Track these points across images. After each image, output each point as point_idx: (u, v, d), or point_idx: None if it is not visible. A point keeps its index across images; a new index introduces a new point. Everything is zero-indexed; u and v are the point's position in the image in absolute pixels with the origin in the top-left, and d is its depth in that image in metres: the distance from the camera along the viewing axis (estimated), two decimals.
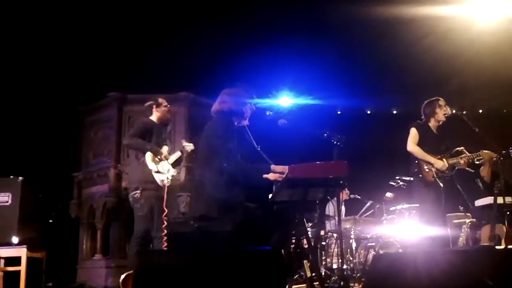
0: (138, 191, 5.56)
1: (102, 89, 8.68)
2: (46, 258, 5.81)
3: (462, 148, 6.02)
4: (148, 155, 5.59)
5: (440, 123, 6.00)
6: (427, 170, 5.77)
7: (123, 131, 8.17)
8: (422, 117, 6.08)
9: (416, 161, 5.84)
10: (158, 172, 5.56)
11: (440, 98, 6.03)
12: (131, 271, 4.93)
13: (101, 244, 8.33)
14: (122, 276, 5.17)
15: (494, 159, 5.92)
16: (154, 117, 5.99)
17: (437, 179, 5.74)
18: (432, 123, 6.01)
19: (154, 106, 6.00)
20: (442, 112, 5.95)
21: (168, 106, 6.10)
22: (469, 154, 5.89)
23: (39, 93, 8.90)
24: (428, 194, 5.77)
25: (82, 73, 9.03)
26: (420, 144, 5.87)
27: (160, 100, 6.05)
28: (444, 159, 5.81)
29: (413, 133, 5.92)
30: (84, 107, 8.94)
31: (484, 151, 5.89)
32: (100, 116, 8.72)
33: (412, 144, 5.88)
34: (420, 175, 5.79)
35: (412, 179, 6.19)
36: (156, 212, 5.54)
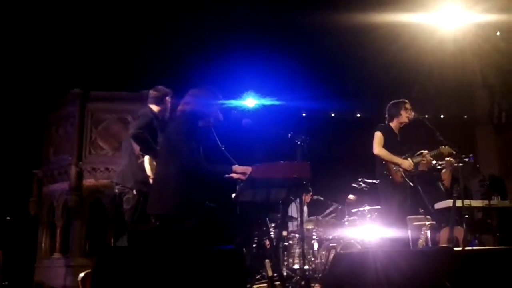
0: (130, 196, 5.16)
1: (66, 85, 8.52)
2: (2, 257, 5.66)
3: (426, 151, 6.11)
4: (147, 159, 5.00)
5: (402, 125, 6.09)
6: (395, 170, 5.84)
7: (85, 128, 8.04)
8: (386, 115, 6.14)
9: (384, 163, 5.90)
10: None
11: (407, 101, 6.12)
12: (90, 270, 4.84)
13: (60, 242, 8.16)
14: (81, 275, 5.07)
15: (455, 164, 6.06)
16: (157, 108, 5.36)
17: (405, 178, 5.83)
18: (394, 124, 6.08)
19: (167, 97, 5.38)
20: (406, 114, 6.03)
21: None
22: (430, 152, 6.00)
23: (1, 88, 8.69)
24: (394, 195, 5.84)
25: (47, 68, 8.85)
26: (384, 146, 5.94)
27: (169, 90, 5.45)
28: (409, 159, 5.90)
29: (378, 136, 5.98)
30: (47, 103, 8.75)
31: (443, 146, 6.00)
32: (62, 112, 8.54)
33: (378, 147, 5.92)
34: (390, 177, 5.85)
35: (375, 181, 6.26)
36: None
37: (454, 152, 5.98)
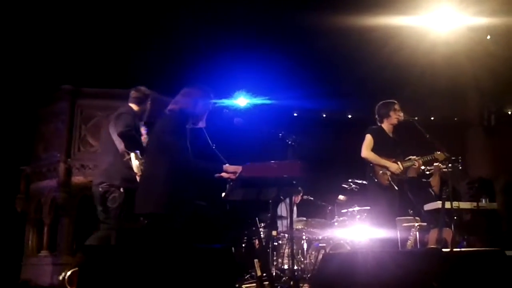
0: (116, 194, 5.12)
1: (58, 81, 8.44)
2: None
3: (415, 157, 6.11)
4: (134, 156, 4.99)
5: (393, 126, 6.08)
6: (381, 173, 5.82)
7: (74, 125, 7.98)
8: (376, 116, 6.13)
9: (371, 165, 5.89)
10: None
11: (396, 102, 6.12)
12: (77, 268, 4.81)
13: (47, 240, 8.09)
14: (68, 273, 5.03)
15: (444, 170, 6.08)
16: (138, 108, 5.39)
17: (391, 182, 5.81)
18: (386, 126, 6.07)
19: (149, 99, 5.45)
20: (396, 116, 6.02)
21: None
22: (423, 157, 6.01)
23: None
24: (382, 197, 5.84)
25: (39, 64, 8.77)
26: (376, 149, 5.92)
27: (150, 92, 5.51)
28: (399, 162, 5.89)
29: (368, 139, 5.97)
30: (38, 99, 8.67)
31: (437, 152, 6.02)
32: (53, 108, 8.47)
33: (366, 150, 5.92)
34: (375, 179, 5.84)
35: (365, 182, 6.26)
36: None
37: (444, 168, 6.01)
